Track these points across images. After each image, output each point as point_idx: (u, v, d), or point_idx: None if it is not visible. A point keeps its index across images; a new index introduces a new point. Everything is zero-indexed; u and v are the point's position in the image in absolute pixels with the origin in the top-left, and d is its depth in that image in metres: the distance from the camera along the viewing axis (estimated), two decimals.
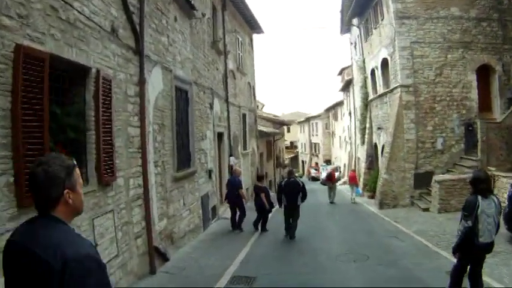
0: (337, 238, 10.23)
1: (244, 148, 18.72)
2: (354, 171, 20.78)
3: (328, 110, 50.82)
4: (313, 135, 58.42)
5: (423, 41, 16.02)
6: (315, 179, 43.20)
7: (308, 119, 58.79)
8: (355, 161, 31.08)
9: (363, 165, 25.92)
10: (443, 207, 13.03)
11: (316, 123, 56.33)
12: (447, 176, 13.67)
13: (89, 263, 1.53)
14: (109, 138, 5.10)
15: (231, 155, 15.08)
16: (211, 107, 12.22)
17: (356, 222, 12.86)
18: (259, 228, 10.97)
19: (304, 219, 11.59)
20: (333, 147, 50.66)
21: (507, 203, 8.40)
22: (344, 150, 40.93)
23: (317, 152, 56.77)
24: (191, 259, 7.70)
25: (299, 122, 61.26)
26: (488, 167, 13.14)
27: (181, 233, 8.33)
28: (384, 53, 18.22)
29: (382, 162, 17.22)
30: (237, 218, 11.05)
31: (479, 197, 4.56)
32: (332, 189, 18.99)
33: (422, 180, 15.54)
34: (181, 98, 8.86)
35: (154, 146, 6.87)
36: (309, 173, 45.38)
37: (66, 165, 1.68)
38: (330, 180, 19.15)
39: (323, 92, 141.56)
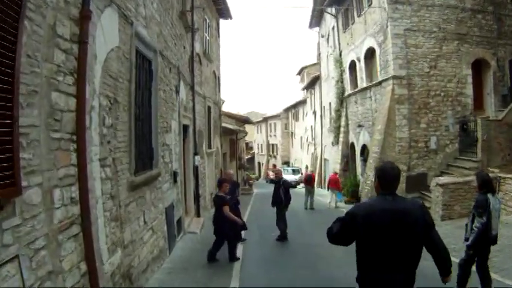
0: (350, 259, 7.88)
1: (209, 146, 16.07)
2: (336, 173, 18.63)
3: (287, 109, 49.26)
4: (271, 135, 56.61)
5: (417, 29, 14.52)
6: (273, 181, 41.01)
7: (266, 119, 56.85)
8: (320, 163, 29.29)
9: (332, 167, 24.10)
10: (447, 214, 11.38)
11: (275, 124, 54.66)
12: (450, 179, 11.95)
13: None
14: (6, 104, 2.42)
15: (195, 154, 12.41)
16: (177, 92, 9.54)
17: None
18: (228, 257, 7.80)
19: (295, 233, 9.33)
20: (292, 148, 49.06)
21: None
22: (306, 151, 39.24)
23: (275, 154, 55.02)
24: None
25: (256, 122, 59.03)
26: (489, 168, 12.04)
27: (143, 265, 5.63)
28: (370, 42, 16.36)
29: (369, 163, 15.24)
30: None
31: (489, 195, 5.05)
32: (311, 194, 16.73)
33: (415, 184, 14.00)
34: (143, 69, 6.16)
35: (101, 132, 4.16)
36: (268, 175, 43.06)
37: None
38: (309, 184, 16.87)
39: (280, 92, 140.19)
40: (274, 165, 52.57)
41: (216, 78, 18.94)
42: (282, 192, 10.11)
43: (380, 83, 15.43)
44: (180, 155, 9.72)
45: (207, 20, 15.85)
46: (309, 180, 16.90)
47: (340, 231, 3.05)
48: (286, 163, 48.13)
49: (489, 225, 4.95)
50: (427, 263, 7.19)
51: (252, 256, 8.39)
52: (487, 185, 5.17)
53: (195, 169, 12.31)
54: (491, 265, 5.73)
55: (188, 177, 11.51)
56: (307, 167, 36.83)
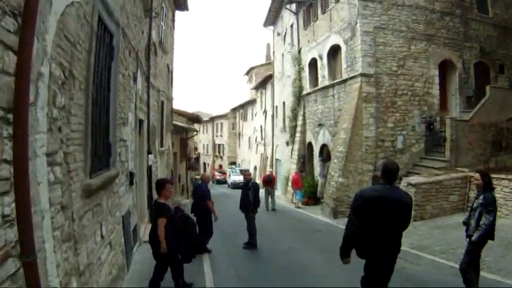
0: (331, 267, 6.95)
1: (161, 145, 14.67)
2: (298, 173, 17.94)
3: (235, 109, 48.47)
4: (217, 135, 55.49)
5: (386, 28, 14.24)
6: (220, 182, 40.04)
7: (212, 119, 55.52)
8: (272, 163, 28.57)
9: (285, 168, 23.42)
10: (419, 214, 11.02)
11: (221, 124, 53.63)
12: (422, 179, 11.69)
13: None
14: None
15: (149, 152, 11.05)
16: (135, 80, 8.19)
17: (331, 240, 9.63)
18: None
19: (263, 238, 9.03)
20: (239, 148, 48.25)
21: None
22: (254, 151, 38.54)
23: (221, 154, 54.05)
24: None
25: (202, 122, 57.43)
26: (457, 168, 12.24)
27: None
28: (335, 39, 15.85)
29: (333, 163, 14.58)
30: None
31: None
32: (271, 195, 15.96)
33: None
34: (104, 42, 4.82)
35: (50, 114, 2.85)
36: (214, 176, 41.87)
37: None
38: (269, 184, 16.02)
39: (226, 93, 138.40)
40: (221, 166, 51.52)
41: (170, 72, 17.57)
42: (251, 195, 9.08)
43: (345, 80, 14.93)
44: (136, 152, 8.37)
45: (164, 9, 14.52)
46: (268, 181, 16.13)
47: (357, 214, 3.90)
48: (233, 163, 47.22)
49: (495, 222, 4.94)
50: (418, 267, 6.70)
51: (224, 271, 7.31)
52: (491, 183, 5.17)
53: (149, 169, 10.94)
54: (486, 265, 5.73)
55: (142, 179, 10.13)
56: (255, 168, 36.08)
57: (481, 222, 4.89)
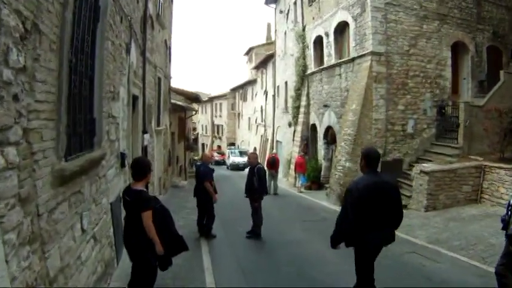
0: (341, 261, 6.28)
1: (158, 124, 13.90)
2: (303, 156, 17.24)
3: (234, 89, 47.58)
4: (216, 116, 54.70)
5: (398, 4, 13.28)
6: (219, 163, 39.39)
7: (211, 99, 54.57)
8: (272, 145, 27.87)
9: (286, 150, 22.75)
10: (431, 204, 10.45)
11: (221, 104, 52.80)
12: (436, 166, 11.04)
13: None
14: None
15: (145, 132, 10.30)
16: (128, 51, 7.36)
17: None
18: None
19: (267, 225, 8.50)
20: (238, 129, 47.57)
21: None
22: (254, 132, 37.80)
23: (220, 135, 53.42)
24: None
25: (201, 102, 56.50)
26: (470, 156, 11.53)
27: None
28: (343, 16, 14.93)
29: (340, 146, 13.82)
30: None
31: None
32: (275, 178, 15.23)
33: (390, 170, 12.78)
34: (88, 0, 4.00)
35: (2, 75, 2.11)
36: (212, 157, 41.12)
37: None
38: (273, 167, 15.27)
39: (225, 73, 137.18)
40: (219, 147, 50.86)
41: (167, 49, 16.67)
42: (255, 181, 8.28)
43: (354, 59, 14.08)
44: (128, 131, 7.59)
45: None
46: (272, 164, 15.33)
47: (355, 206, 3.92)
48: (232, 144, 46.65)
49: None
50: (439, 265, 6.03)
51: (226, 264, 6.60)
52: None
53: (144, 150, 10.20)
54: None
55: None
56: (255, 149, 35.44)
57: None
